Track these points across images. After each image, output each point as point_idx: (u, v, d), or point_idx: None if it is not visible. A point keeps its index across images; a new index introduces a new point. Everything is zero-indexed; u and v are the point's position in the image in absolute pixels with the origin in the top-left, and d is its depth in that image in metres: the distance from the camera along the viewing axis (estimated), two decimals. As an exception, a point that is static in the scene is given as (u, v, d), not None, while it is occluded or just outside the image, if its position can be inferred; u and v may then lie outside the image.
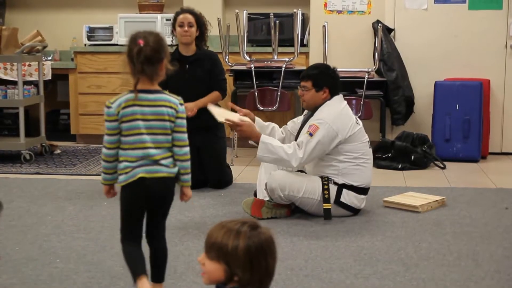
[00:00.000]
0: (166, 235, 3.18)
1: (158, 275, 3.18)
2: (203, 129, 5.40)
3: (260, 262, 2.02)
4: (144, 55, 3.00)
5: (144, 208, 3.11)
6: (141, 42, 3.01)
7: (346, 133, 4.48)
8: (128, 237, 3.11)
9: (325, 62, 6.48)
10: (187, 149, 3.13)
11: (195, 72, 5.45)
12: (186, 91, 5.31)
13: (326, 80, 4.60)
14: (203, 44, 5.58)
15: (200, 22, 5.50)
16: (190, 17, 5.43)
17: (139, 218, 3.12)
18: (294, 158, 4.41)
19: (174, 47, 5.58)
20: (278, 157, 4.43)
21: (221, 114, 4.66)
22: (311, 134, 4.42)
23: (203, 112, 5.26)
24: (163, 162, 3.06)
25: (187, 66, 5.44)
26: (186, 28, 5.41)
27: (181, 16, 5.45)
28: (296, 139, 4.60)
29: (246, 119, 4.59)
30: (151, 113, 3.05)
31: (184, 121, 3.14)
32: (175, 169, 3.09)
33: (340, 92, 4.69)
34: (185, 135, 3.13)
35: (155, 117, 3.06)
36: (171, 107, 3.10)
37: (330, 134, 4.43)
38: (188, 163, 3.13)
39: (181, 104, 3.14)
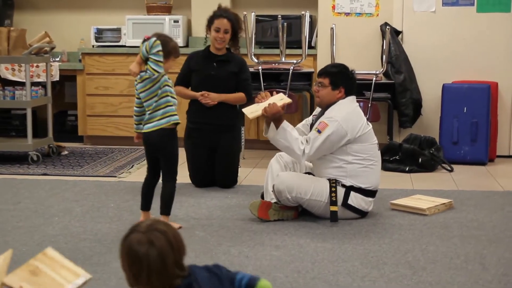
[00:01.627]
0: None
1: (163, 209, 4.35)
2: (221, 129, 5.48)
3: (125, 265, 2.12)
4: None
5: (150, 153, 4.42)
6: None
7: (356, 132, 4.48)
8: (147, 174, 4.48)
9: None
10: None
11: (220, 70, 5.51)
12: (208, 87, 5.46)
13: (344, 80, 4.61)
14: (236, 46, 5.62)
15: (235, 28, 5.53)
16: (226, 24, 5.46)
17: (149, 160, 4.45)
18: (302, 154, 4.46)
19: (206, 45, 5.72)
20: (291, 146, 4.47)
21: (251, 111, 4.67)
22: (319, 131, 4.43)
23: (223, 111, 5.41)
24: (155, 115, 4.29)
25: (214, 64, 5.53)
26: (221, 35, 5.47)
27: (218, 21, 5.47)
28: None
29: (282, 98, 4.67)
30: (142, 86, 4.31)
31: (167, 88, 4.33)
32: (162, 121, 4.28)
33: (355, 94, 4.70)
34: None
35: (145, 88, 4.29)
36: (146, 78, 4.28)
37: (339, 132, 4.43)
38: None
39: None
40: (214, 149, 5.53)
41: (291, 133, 4.50)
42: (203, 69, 5.54)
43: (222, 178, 5.55)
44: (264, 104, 4.58)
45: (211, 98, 5.44)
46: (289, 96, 6.55)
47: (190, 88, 5.60)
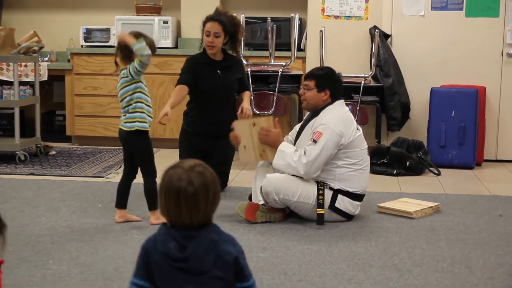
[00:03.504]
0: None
1: (149, 204, 4.48)
2: (218, 135, 5.36)
3: (161, 196, 2.18)
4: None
5: (123, 149, 4.57)
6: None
7: (348, 137, 4.49)
8: (123, 171, 4.62)
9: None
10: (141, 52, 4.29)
11: (227, 78, 5.40)
12: (217, 96, 5.34)
13: (329, 83, 4.62)
14: (235, 49, 5.52)
15: (229, 30, 5.34)
16: (216, 27, 5.28)
17: (124, 157, 4.60)
18: (300, 166, 4.44)
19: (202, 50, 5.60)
20: (288, 163, 4.49)
21: (253, 152, 4.75)
22: (315, 141, 4.43)
23: (227, 119, 5.22)
24: (122, 118, 4.45)
25: (218, 71, 5.39)
26: (211, 39, 5.30)
27: (208, 25, 5.31)
28: (294, 144, 4.64)
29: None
30: (119, 84, 4.46)
31: (133, 66, 4.33)
32: (127, 125, 4.39)
33: (341, 98, 4.70)
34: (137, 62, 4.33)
35: (121, 86, 4.44)
36: (123, 77, 4.42)
37: (334, 138, 4.44)
38: (144, 52, 4.28)
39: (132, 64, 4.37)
40: (207, 153, 5.38)
41: (285, 151, 4.52)
42: (209, 79, 5.37)
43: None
44: (250, 121, 4.72)
45: (249, 113, 5.33)
46: (277, 98, 6.58)
47: (194, 94, 5.40)
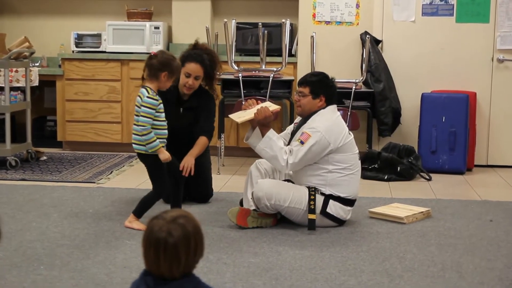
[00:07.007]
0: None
1: (135, 208, 4.56)
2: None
3: (142, 244, 2.13)
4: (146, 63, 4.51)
5: None
6: (152, 53, 4.48)
7: (338, 142, 4.49)
8: None
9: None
10: (143, 128, 4.38)
11: (187, 120, 5.14)
12: (174, 133, 4.79)
13: (324, 88, 4.62)
14: (211, 86, 5.24)
15: (208, 71, 5.13)
16: (199, 70, 5.04)
17: None
18: (287, 165, 4.47)
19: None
20: (276, 156, 4.49)
21: (239, 116, 4.74)
22: (302, 142, 4.44)
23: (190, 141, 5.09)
24: (133, 136, 4.50)
25: (181, 110, 5.18)
26: (190, 82, 5.05)
27: (190, 66, 5.03)
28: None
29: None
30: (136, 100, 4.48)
31: (146, 109, 4.36)
32: (137, 146, 4.47)
33: (335, 103, 4.71)
34: (144, 119, 4.36)
35: (135, 103, 4.48)
36: (139, 96, 4.42)
37: (322, 143, 4.44)
38: (145, 137, 4.40)
39: (148, 97, 4.36)
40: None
41: (276, 143, 4.51)
42: (169, 116, 4.68)
43: (198, 196, 5.27)
44: (253, 110, 4.60)
45: (191, 168, 4.86)
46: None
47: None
